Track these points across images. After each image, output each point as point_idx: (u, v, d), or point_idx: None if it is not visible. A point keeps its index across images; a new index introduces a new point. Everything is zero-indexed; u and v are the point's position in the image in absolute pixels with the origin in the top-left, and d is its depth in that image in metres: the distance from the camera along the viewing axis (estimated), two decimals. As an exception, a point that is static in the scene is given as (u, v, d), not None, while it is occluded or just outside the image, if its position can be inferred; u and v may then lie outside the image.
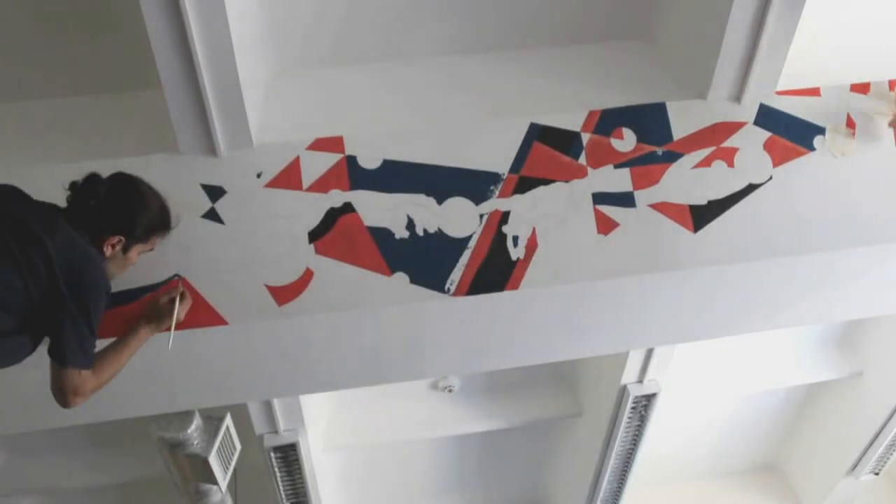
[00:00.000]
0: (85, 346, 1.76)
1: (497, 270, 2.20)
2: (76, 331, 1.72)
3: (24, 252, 1.67)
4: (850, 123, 2.42)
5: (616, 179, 2.30)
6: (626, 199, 2.29)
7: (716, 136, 2.34)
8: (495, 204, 2.23)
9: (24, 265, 1.66)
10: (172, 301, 2.02)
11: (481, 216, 2.22)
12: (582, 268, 2.25)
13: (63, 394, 1.76)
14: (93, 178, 1.84)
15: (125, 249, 1.88)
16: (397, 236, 2.19)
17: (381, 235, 2.18)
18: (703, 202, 2.32)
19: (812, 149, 2.37)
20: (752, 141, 2.36)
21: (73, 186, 1.84)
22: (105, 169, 1.89)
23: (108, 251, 1.85)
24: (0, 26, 2.25)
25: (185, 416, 2.81)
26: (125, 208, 1.85)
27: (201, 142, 2.14)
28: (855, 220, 2.37)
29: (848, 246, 2.39)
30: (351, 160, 2.22)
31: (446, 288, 2.17)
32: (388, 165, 2.22)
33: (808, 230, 2.36)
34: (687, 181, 2.32)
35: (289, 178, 2.19)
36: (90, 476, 3.68)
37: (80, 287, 1.72)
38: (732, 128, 2.35)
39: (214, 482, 2.99)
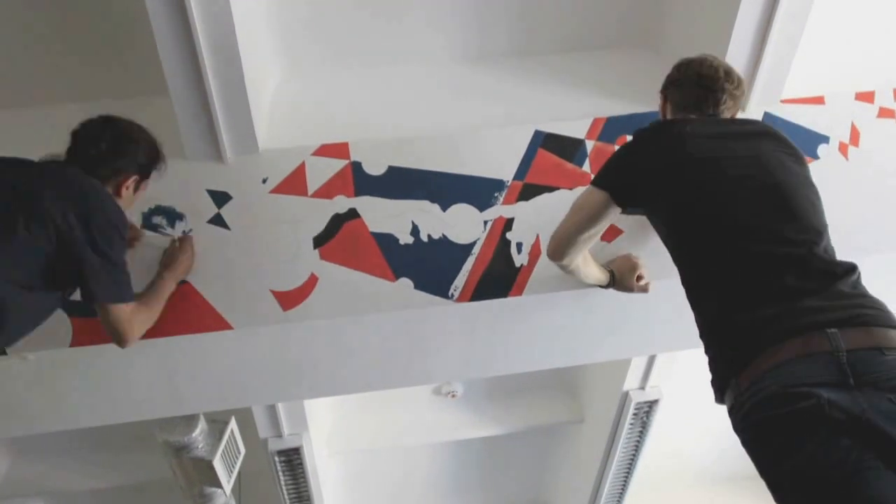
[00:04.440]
0: (115, 279, 1.75)
1: (500, 277, 2.21)
2: (101, 268, 1.71)
3: (25, 213, 1.64)
4: (854, 132, 2.42)
5: (620, 187, 2.29)
6: (629, 207, 2.29)
7: (719, 144, 2.34)
8: (499, 211, 2.24)
9: (27, 222, 1.63)
10: (182, 247, 2.07)
11: (485, 223, 2.23)
12: (585, 274, 2.25)
13: (115, 331, 1.77)
14: (92, 124, 1.85)
15: (136, 188, 1.91)
16: (402, 242, 2.20)
17: (385, 241, 2.19)
18: (707, 210, 2.31)
19: (816, 157, 2.37)
20: (755, 149, 2.35)
21: (76, 134, 1.85)
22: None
23: (123, 192, 1.87)
24: (7, 33, 2.27)
25: (189, 420, 2.82)
26: (134, 148, 1.87)
27: (208, 148, 2.16)
28: (857, 229, 2.37)
29: (849, 256, 2.39)
30: (356, 166, 2.23)
31: (450, 294, 2.18)
32: (393, 172, 2.24)
33: (812, 238, 2.35)
34: (690, 189, 2.31)
35: (294, 183, 2.20)
36: (95, 479, 3.70)
37: (93, 227, 1.70)
38: (736, 136, 2.35)
39: (219, 485, 3.01)
